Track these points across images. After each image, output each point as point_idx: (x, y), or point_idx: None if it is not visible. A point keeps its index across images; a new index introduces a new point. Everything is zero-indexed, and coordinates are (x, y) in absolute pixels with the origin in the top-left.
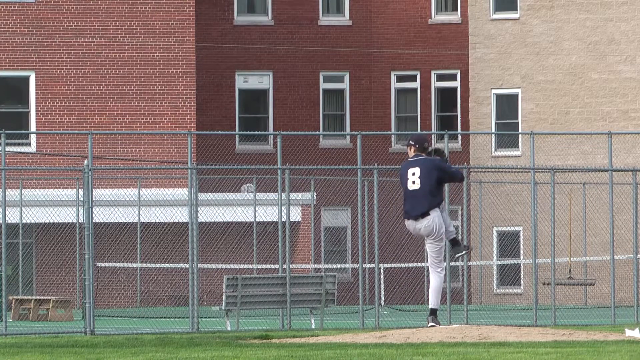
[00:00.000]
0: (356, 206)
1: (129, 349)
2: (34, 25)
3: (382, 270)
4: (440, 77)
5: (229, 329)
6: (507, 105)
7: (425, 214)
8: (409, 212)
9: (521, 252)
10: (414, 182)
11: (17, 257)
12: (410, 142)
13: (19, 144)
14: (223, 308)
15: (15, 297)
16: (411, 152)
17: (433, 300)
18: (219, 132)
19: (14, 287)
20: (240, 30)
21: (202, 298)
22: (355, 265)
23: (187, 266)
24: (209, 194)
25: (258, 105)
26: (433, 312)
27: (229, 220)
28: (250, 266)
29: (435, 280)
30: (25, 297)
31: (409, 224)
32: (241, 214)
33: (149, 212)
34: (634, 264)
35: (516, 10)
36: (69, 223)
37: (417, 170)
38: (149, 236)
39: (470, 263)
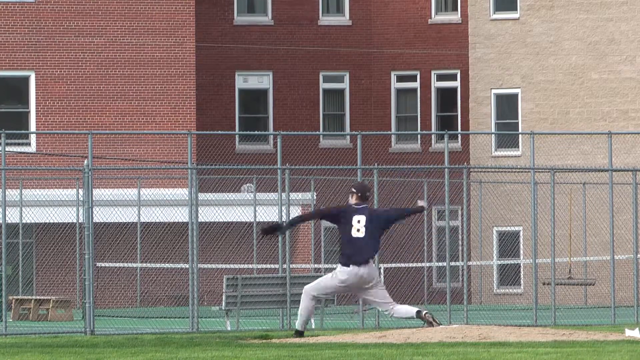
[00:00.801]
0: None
1: (129, 349)
2: (34, 25)
3: (382, 270)
4: (440, 77)
5: (229, 329)
6: (507, 105)
7: (367, 260)
8: (353, 258)
9: (521, 252)
10: (358, 230)
11: (17, 257)
12: (353, 190)
13: (19, 144)
14: (223, 308)
15: (15, 297)
16: (353, 199)
17: (410, 309)
18: (219, 132)
19: (14, 287)
20: (240, 30)
21: (202, 298)
22: None
23: (187, 266)
24: (209, 194)
25: (258, 105)
26: (420, 313)
27: (229, 220)
28: (250, 266)
29: (400, 310)
30: (25, 297)
31: (351, 270)
32: (241, 214)
33: (149, 212)
34: (634, 264)
35: (516, 10)
36: (69, 223)
37: (362, 218)
38: (149, 236)
39: (470, 263)
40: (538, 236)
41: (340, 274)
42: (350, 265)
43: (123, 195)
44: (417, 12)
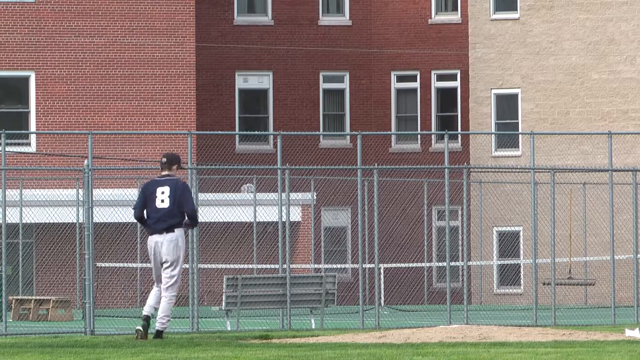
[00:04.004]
0: (356, 206)
1: (129, 349)
2: (34, 25)
3: (382, 270)
4: (440, 77)
5: (229, 329)
6: (507, 105)
7: (170, 229)
8: (155, 227)
9: (521, 252)
10: (162, 201)
11: (17, 257)
12: (164, 159)
13: (19, 144)
14: (223, 308)
15: (15, 297)
16: (160, 172)
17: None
18: (219, 132)
19: (14, 287)
20: (240, 30)
21: (202, 298)
22: (355, 265)
23: (187, 266)
24: (209, 194)
25: (258, 105)
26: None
27: (229, 220)
28: (250, 266)
29: (165, 301)
30: (25, 297)
31: (153, 238)
32: (241, 214)
33: None
34: (634, 264)
35: (516, 10)
36: (69, 223)
37: (166, 189)
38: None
39: (470, 263)
40: (538, 236)
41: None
42: (154, 234)
43: (123, 195)
44: (417, 12)
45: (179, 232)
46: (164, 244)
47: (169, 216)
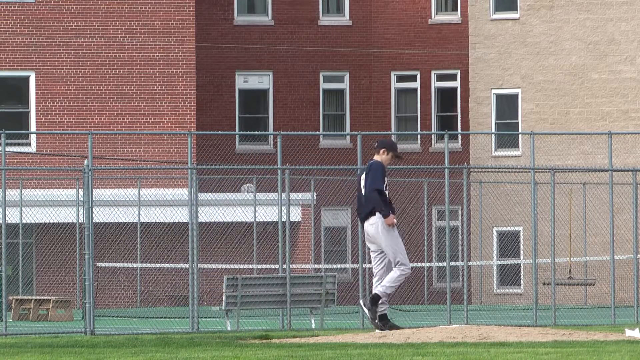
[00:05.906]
0: (356, 206)
1: (129, 349)
2: (34, 25)
3: None
4: (440, 77)
5: (229, 329)
6: (507, 105)
7: (368, 215)
8: (360, 216)
9: (521, 252)
10: (363, 187)
11: (17, 257)
12: (375, 144)
13: (19, 144)
14: (223, 308)
15: (15, 297)
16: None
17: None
18: (219, 132)
19: (14, 287)
20: (240, 30)
21: (202, 298)
22: (355, 265)
23: (187, 266)
24: (209, 194)
25: (258, 105)
26: (373, 306)
27: (229, 220)
28: (250, 266)
29: (391, 274)
30: (25, 297)
31: (364, 226)
32: (241, 214)
33: (149, 212)
34: (634, 264)
35: (516, 10)
36: (69, 223)
37: (364, 175)
38: (149, 236)
39: (470, 263)
40: (538, 236)
41: None
42: (361, 222)
43: (123, 195)
44: (417, 12)
45: (379, 215)
46: (370, 231)
47: (366, 202)
